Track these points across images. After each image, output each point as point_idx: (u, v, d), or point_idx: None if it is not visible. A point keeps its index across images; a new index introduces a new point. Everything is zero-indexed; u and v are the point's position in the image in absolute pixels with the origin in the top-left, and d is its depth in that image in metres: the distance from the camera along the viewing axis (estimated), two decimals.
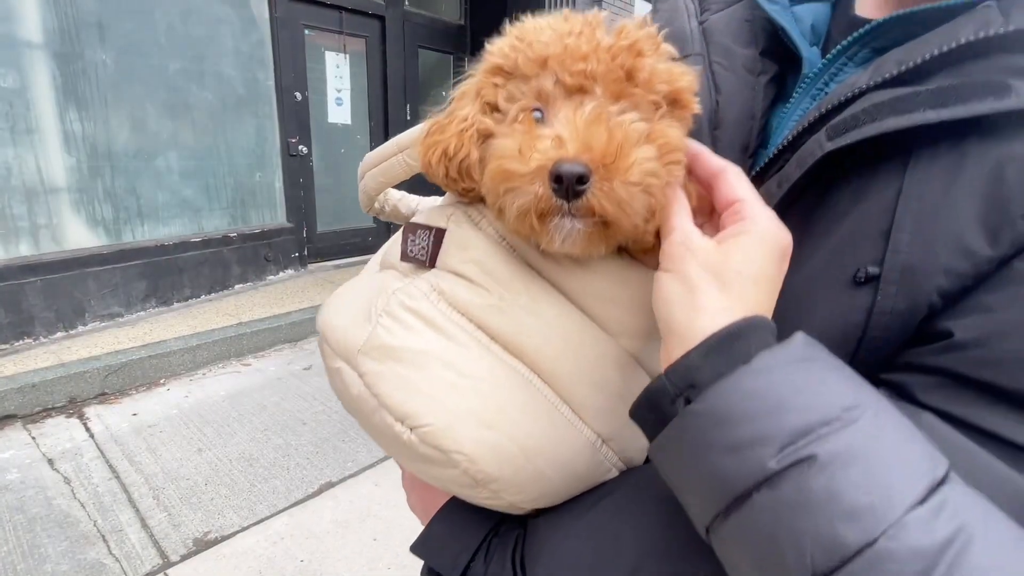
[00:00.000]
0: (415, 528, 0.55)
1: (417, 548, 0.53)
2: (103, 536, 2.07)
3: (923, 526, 0.26)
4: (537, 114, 0.41)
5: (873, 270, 0.38)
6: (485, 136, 0.44)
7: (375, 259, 0.59)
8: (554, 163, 0.37)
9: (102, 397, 3.02)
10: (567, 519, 0.46)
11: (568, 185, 0.37)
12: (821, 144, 0.41)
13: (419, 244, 0.47)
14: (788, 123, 0.49)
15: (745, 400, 0.31)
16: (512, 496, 0.44)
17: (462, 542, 0.50)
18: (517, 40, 0.43)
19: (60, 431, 2.71)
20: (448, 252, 0.47)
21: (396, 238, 0.53)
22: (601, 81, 0.40)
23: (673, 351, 0.35)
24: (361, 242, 5.55)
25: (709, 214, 0.44)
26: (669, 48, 0.44)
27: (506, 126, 0.42)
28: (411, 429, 0.41)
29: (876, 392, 0.32)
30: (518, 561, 0.46)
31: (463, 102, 0.46)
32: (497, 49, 0.44)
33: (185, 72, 3.93)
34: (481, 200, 0.46)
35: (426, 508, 0.55)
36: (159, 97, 3.83)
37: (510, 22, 0.45)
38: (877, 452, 0.29)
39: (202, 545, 2.06)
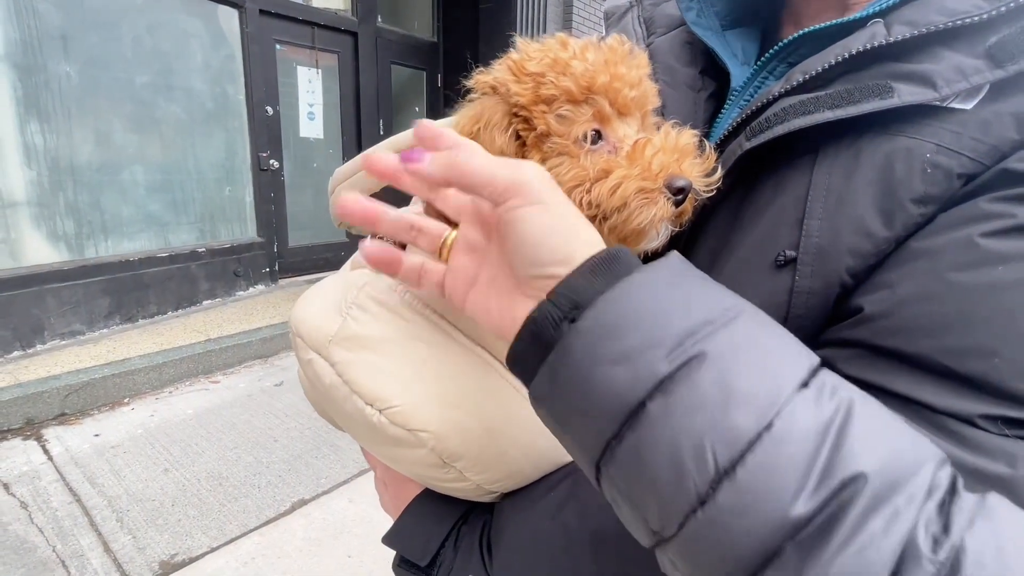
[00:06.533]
0: None
1: (389, 539, 0.54)
2: (63, 562, 1.99)
3: (810, 405, 0.28)
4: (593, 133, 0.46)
5: (791, 253, 0.42)
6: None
7: (345, 267, 0.61)
8: (670, 178, 0.44)
9: (62, 418, 2.91)
10: (528, 500, 0.48)
11: (683, 194, 0.44)
12: (741, 145, 0.47)
13: (386, 241, 0.50)
14: (719, 131, 0.54)
15: (631, 308, 0.31)
16: (478, 475, 0.46)
17: (432, 530, 0.51)
18: (550, 70, 0.45)
19: (16, 454, 2.60)
20: (413, 248, 0.49)
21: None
22: (636, 104, 0.47)
23: (552, 281, 0.34)
24: (333, 257, 5.50)
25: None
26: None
27: (586, 151, 0.46)
28: (380, 411, 0.43)
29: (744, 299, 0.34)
30: (485, 544, 0.48)
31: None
32: (519, 89, 0.45)
33: (152, 86, 3.88)
34: None
35: (398, 505, 0.56)
36: (125, 110, 3.76)
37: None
38: (759, 345, 0.30)
39: (169, 568, 1.99)
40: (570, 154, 0.45)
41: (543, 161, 0.46)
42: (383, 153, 0.39)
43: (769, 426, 0.27)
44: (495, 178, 0.35)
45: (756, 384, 0.28)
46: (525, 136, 0.46)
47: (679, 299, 0.32)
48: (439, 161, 0.36)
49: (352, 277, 0.51)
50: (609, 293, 0.32)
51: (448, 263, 0.40)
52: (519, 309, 0.35)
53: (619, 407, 0.30)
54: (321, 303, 0.50)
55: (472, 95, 0.50)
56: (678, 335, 0.30)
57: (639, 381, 0.29)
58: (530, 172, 0.35)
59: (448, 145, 0.37)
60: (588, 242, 0.35)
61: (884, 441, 0.28)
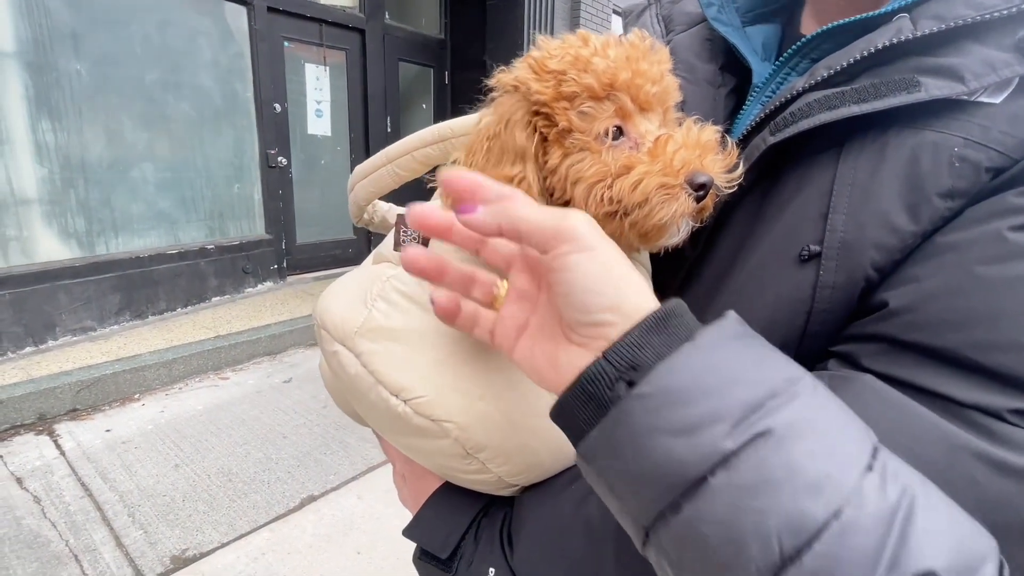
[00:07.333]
0: (400, 541, 0.56)
1: (409, 531, 0.54)
2: (76, 556, 2.00)
3: (876, 491, 0.27)
4: (615, 129, 0.46)
5: (815, 248, 0.42)
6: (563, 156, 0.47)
7: (367, 261, 0.61)
8: (691, 174, 0.43)
9: (73, 413, 2.93)
10: (549, 494, 0.48)
11: (705, 190, 0.44)
12: (765, 139, 0.46)
13: (411, 234, 0.50)
14: (741, 127, 0.54)
15: (693, 377, 0.30)
16: (500, 467, 0.46)
17: (453, 522, 0.51)
18: (571, 67, 0.44)
19: (29, 449, 2.63)
20: (437, 241, 0.49)
21: (389, 238, 0.55)
22: (658, 99, 0.47)
23: (608, 332, 0.33)
24: (341, 254, 5.52)
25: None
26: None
27: (607, 147, 0.45)
28: (405, 402, 0.44)
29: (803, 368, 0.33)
30: (505, 537, 0.48)
31: (509, 160, 0.47)
32: (540, 87, 0.45)
33: (162, 83, 3.90)
34: None
35: (417, 499, 0.56)
36: (135, 108, 3.78)
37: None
38: (823, 422, 0.29)
39: (180, 563, 2.00)
40: (591, 150, 0.45)
41: (565, 156, 0.46)
42: (431, 209, 0.39)
43: (838, 514, 0.26)
44: (544, 226, 0.35)
45: (823, 467, 0.27)
46: (547, 133, 0.46)
47: (741, 368, 0.30)
48: (491, 211, 0.36)
49: (377, 270, 0.51)
50: (671, 359, 0.30)
51: (499, 312, 0.41)
52: (563, 355, 0.35)
53: (679, 479, 0.28)
54: (346, 296, 0.50)
55: (494, 94, 0.49)
56: (742, 408, 0.28)
57: (702, 456, 0.28)
58: (577, 219, 0.35)
59: (492, 195, 0.38)
60: (638, 291, 0.34)
61: (949, 533, 0.27)
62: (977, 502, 0.31)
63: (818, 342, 0.43)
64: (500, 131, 0.47)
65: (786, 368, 0.31)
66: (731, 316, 0.33)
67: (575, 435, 0.34)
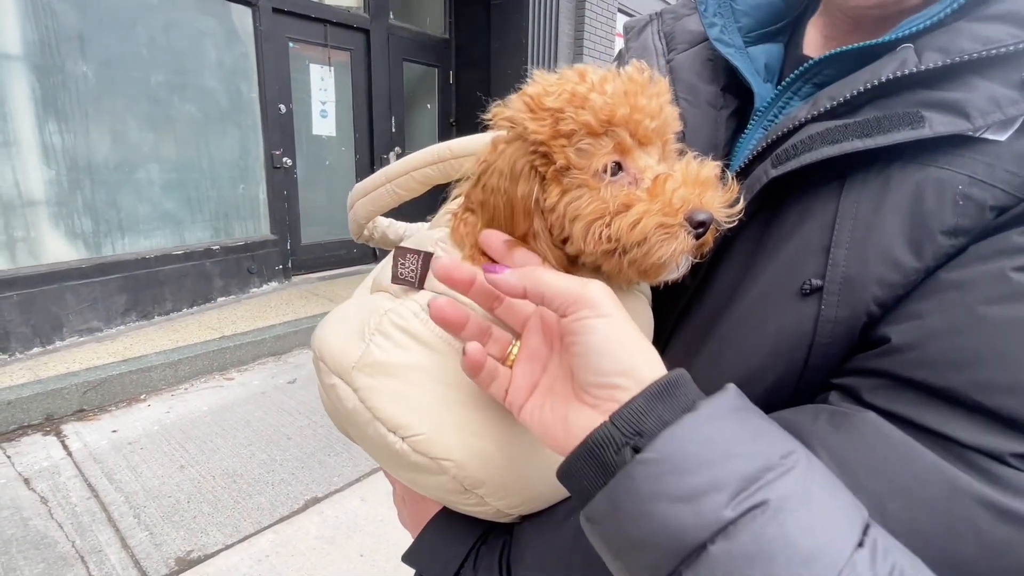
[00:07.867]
0: (402, 543, 0.57)
1: (408, 558, 0.54)
2: (82, 557, 2.02)
3: (867, 566, 0.28)
4: (614, 165, 0.45)
5: (817, 282, 0.42)
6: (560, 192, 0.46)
7: (365, 284, 0.61)
8: (691, 212, 0.43)
9: (80, 414, 2.96)
10: (549, 524, 0.48)
11: (705, 227, 0.43)
12: (767, 171, 0.46)
13: (408, 267, 0.50)
14: (743, 152, 0.53)
15: (695, 446, 0.31)
16: (498, 501, 0.46)
17: (451, 550, 0.51)
18: (568, 104, 0.44)
19: (36, 449, 2.65)
20: (435, 282, 0.48)
21: (386, 263, 0.55)
22: (657, 133, 0.46)
23: (619, 395, 0.35)
24: (346, 254, 5.53)
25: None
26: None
27: (606, 184, 0.45)
28: (403, 439, 0.44)
29: (798, 442, 0.34)
30: (504, 565, 0.48)
31: (518, 216, 0.47)
32: (536, 126, 0.44)
33: (167, 84, 3.91)
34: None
35: (417, 522, 0.57)
36: (141, 109, 3.80)
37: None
38: (817, 496, 0.30)
39: (185, 564, 2.02)
40: (590, 187, 0.45)
41: (563, 194, 0.45)
42: (456, 265, 0.43)
43: None
44: (568, 291, 0.37)
45: (817, 541, 0.28)
46: (544, 171, 0.46)
47: (740, 440, 0.31)
48: (518, 273, 0.40)
49: (375, 302, 0.51)
50: (675, 428, 0.31)
51: (512, 370, 0.43)
52: (573, 415, 0.37)
53: (680, 546, 0.29)
54: (344, 328, 0.50)
55: (491, 132, 0.49)
56: (741, 479, 0.30)
57: (703, 523, 0.29)
58: (598, 288, 0.38)
59: (518, 259, 0.44)
60: (649, 360, 0.36)
61: None
62: (979, 547, 0.32)
63: (819, 374, 0.43)
64: (506, 187, 0.46)
65: (781, 442, 0.32)
66: (731, 389, 0.35)
67: (582, 497, 0.35)
